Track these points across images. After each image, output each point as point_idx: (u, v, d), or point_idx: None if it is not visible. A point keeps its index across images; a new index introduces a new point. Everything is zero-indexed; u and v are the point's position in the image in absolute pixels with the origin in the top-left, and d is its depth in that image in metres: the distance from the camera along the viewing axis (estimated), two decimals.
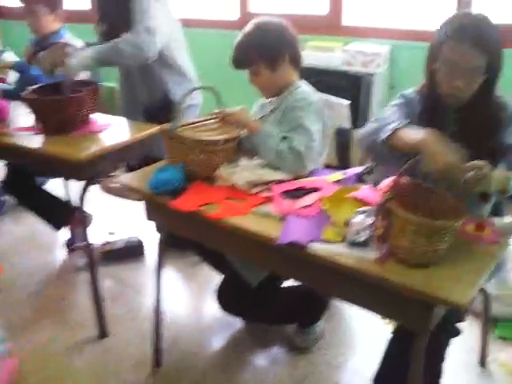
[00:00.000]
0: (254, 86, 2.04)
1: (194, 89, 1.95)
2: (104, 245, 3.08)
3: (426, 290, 1.23)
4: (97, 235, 3.17)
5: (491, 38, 1.54)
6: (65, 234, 3.16)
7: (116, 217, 3.47)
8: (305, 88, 1.99)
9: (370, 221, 1.43)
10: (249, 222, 1.57)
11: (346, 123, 3.06)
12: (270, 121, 1.97)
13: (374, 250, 1.37)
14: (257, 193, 1.71)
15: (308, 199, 1.64)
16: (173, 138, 1.80)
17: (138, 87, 2.70)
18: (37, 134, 2.36)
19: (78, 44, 2.67)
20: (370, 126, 1.72)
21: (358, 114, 3.56)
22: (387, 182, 1.51)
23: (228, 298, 2.15)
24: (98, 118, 2.48)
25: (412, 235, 1.28)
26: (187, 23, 4.57)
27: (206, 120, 1.97)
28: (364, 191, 1.58)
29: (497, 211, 1.67)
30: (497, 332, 2.29)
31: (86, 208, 3.11)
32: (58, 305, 2.68)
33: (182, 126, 1.87)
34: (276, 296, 2.14)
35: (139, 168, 2.24)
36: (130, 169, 2.97)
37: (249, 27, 1.98)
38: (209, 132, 1.85)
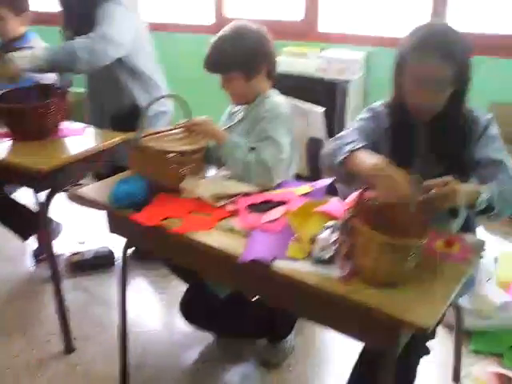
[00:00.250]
0: (225, 91, 1.98)
1: (159, 98, 1.88)
2: (73, 255, 2.99)
3: (392, 312, 1.18)
4: (66, 245, 3.09)
5: (457, 48, 1.49)
6: (32, 244, 3.06)
7: (86, 226, 3.38)
8: (275, 98, 1.93)
9: (335, 237, 1.38)
10: (212, 237, 1.51)
11: (321, 131, 3.04)
12: (237, 131, 1.92)
13: (339, 267, 1.32)
14: (222, 206, 1.66)
15: (274, 213, 1.58)
16: (136, 148, 1.74)
17: (105, 95, 2.64)
18: (7, 140, 2.28)
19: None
20: (330, 146, 1.66)
21: (334, 122, 3.53)
22: (353, 196, 1.47)
23: (193, 309, 2.09)
24: (66, 125, 2.41)
25: (375, 254, 1.23)
26: (161, 27, 4.54)
27: (173, 130, 1.91)
28: (331, 205, 1.53)
29: (467, 226, 1.63)
30: (471, 346, 2.26)
31: (56, 217, 3.07)
32: (21, 318, 2.59)
33: (147, 135, 1.81)
34: (244, 309, 2.08)
35: (107, 177, 2.18)
36: (98, 177, 2.89)
37: (228, 31, 1.90)
38: (175, 142, 1.78)
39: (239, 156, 1.74)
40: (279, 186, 1.78)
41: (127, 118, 2.52)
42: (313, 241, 1.40)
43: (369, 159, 1.46)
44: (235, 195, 1.69)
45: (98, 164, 2.41)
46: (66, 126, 2.41)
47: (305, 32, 3.88)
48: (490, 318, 2.24)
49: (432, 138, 1.62)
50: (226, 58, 1.86)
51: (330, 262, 1.35)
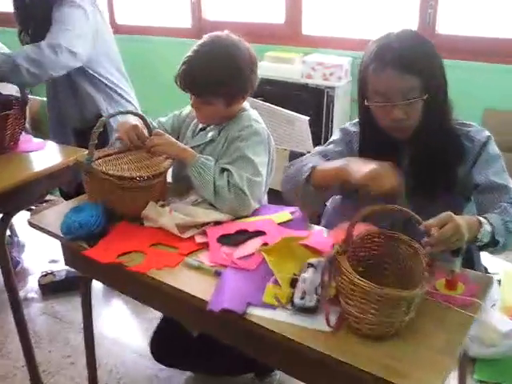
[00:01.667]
0: (196, 111, 1.69)
1: (117, 113, 1.65)
2: (43, 276, 2.78)
3: (386, 376, 0.98)
4: (36, 263, 2.90)
5: (418, 56, 1.33)
6: None
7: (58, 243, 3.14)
8: (250, 113, 1.70)
9: (319, 278, 1.18)
10: (178, 277, 1.30)
11: (307, 141, 2.84)
12: (207, 153, 1.67)
13: (323, 315, 1.11)
14: (189, 237, 1.44)
15: (249, 247, 1.37)
16: (89, 172, 1.52)
17: (66, 106, 2.39)
18: None
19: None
20: (288, 171, 1.55)
21: (321, 130, 3.34)
22: (341, 228, 1.26)
23: (164, 347, 1.87)
24: (25, 139, 2.18)
25: (360, 303, 1.03)
26: (137, 30, 4.34)
27: (136, 148, 1.69)
28: (315, 237, 1.33)
29: (470, 260, 1.44)
30: (475, 375, 2.08)
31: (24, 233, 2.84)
32: None
33: (104, 155, 1.59)
34: (221, 345, 1.86)
35: (75, 193, 1.97)
36: (65, 194, 2.67)
37: (211, 47, 1.59)
38: (134, 164, 1.57)
39: (209, 178, 1.51)
40: (255, 211, 1.57)
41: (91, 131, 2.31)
42: (293, 283, 1.19)
43: (335, 162, 1.43)
44: (205, 224, 1.48)
45: (61, 182, 2.20)
46: (25, 139, 2.19)
47: (288, 35, 3.68)
48: (494, 345, 2.07)
49: (414, 159, 1.44)
50: (207, 82, 1.56)
51: (313, 310, 1.14)
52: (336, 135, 1.58)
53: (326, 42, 3.55)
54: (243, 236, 1.42)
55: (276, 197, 1.72)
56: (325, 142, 3.61)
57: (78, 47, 2.13)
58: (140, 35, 4.27)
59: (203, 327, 1.39)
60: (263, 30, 3.72)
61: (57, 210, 1.65)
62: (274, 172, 1.73)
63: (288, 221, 1.48)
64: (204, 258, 1.35)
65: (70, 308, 2.62)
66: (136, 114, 1.66)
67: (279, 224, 1.47)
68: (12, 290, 2.06)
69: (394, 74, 1.30)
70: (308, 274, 1.20)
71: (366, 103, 1.39)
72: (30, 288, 2.78)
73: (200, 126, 1.77)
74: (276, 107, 2.75)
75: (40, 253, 2.99)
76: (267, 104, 2.70)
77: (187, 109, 1.81)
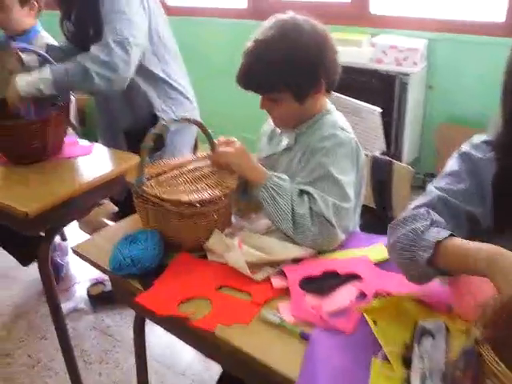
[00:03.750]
0: (268, 113, 1.43)
1: (170, 122, 1.36)
2: (93, 286, 2.61)
3: None
4: (84, 268, 2.68)
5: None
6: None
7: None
8: (335, 118, 1.40)
9: (441, 350, 0.89)
10: (252, 337, 1.03)
11: (379, 136, 2.51)
12: (282, 164, 1.41)
13: None
14: (264, 279, 1.17)
15: (341, 297, 1.09)
16: (140, 196, 1.27)
17: (118, 105, 2.12)
18: None
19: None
20: (400, 230, 1.03)
21: (392, 122, 2.99)
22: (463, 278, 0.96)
23: None
24: (70, 141, 1.97)
25: None
26: (188, 12, 4.06)
27: (198, 160, 1.42)
28: (429, 289, 1.03)
29: None
30: None
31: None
32: (29, 367, 2.20)
33: (158, 174, 1.33)
34: None
35: (125, 201, 1.73)
36: (115, 202, 2.45)
37: (272, 33, 1.31)
38: (196, 183, 1.30)
39: (285, 205, 1.23)
40: (343, 242, 1.28)
41: (144, 132, 2.05)
42: (407, 360, 0.91)
43: (475, 249, 0.90)
44: (282, 262, 1.20)
45: (111, 192, 1.97)
46: (70, 142, 1.97)
47: (354, 15, 3.32)
48: None
49: None
50: (272, 77, 1.30)
51: None
52: (454, 164, 1.12)
53: (397, 21, 3.18)
54: (333, 280, 1.13)
55: None
56: (395, 139, 3.15)
57: (141, 38, 1.88)
58: (192, 17, 4.00)
59: None
60: (326, 10, 3.38)
61: (105, 236, 1.41)
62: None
63: (386, 259, 1.19)
64: (285, 311, 1.07)
65: (122, 323, 2.43)
66: (195, 122, 1.39)
67: (376, 264, 1.18)
68: (55, 308, 1.86)
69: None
70: (425, 346, 0.91)
71: None
72: (80, 298, 2.60)
73: (278, 131, 1.50)
74: (340, 95, 2.42)
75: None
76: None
77: None
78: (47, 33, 2.46)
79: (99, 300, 2.55)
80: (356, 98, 2.42)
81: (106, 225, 2.43)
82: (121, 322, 2.43)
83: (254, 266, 1.18)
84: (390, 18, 3.22)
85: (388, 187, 1.75)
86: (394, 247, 1.02)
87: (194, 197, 1.24)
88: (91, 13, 1.88)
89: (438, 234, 0.94)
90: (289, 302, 1.10)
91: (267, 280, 1.17)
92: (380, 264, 1.18)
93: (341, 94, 2.41)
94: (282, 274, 1.18)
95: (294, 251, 1.21)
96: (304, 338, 1.00)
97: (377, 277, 1.12)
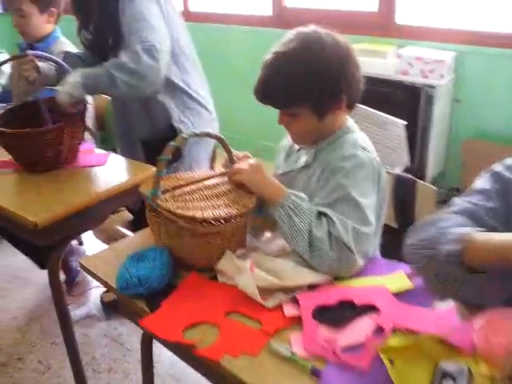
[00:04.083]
0: (286, 129, 1.38)
1: (190, 135, 1.30)
2: (106, 292, 2.56)
3: None
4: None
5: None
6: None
7: None
8: (357, 137, 1.34)
9: None
10: (260, 371, 0.97)
11: (402, 150, 2.44)
12: (300, 182, 1.36)
13: None
14: (276, 306, 1.11)
15: (357, 331, 1.02)
16: (153, 210, 1.22)
17: (136, 115, 2.09)
18: (10, 171, 1.84)
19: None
20: (422, 231, 1.02)
21: (416, 136, 2.91)
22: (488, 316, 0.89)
23: None
24: (83, 150, 1.93)
25: None
26: (211, 18, 4.03)
27: (216, 176, 1.37)
28: (451, 326, 0.96)
29: None
30: None
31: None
32: (35, 374, 2.18)
33: (174, 187, 1.28)
34: None
35: (140, 210, 1.69)
36: (131, 211, 2.41)
37: (294, 48, 1.26)
38: (213, 200, 1.25)
39: (303, 226, 1.17)
40: (362, 269, 1.21)
41: (162, 143, 2.01)
42: None
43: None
44: (295, 288, 1.14)
45: (125, 202, 1.93)
46: (86, 149, 1.93)
47: (380, 25, 3.24)
48: None
49: None
50: (290, 86, 1.26)
51: None
52: (484, 183, 1.07)
53: (423, 33, 3.10)
54: (349, 311, 1.07)
55: None
56: (420, 152, 3.03)
57: (167, 44, 1.84)
58: (214, 23, 3.96)
59: None
60: (352, 20, 3.31)
61: (116, 250, 1.37)
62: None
63: (407, 290, 1.12)
64: (296, 344, 1.01)
65: (133, 331, 2.39)
66: (216, 138, 1.34)
67: (395, 294, 1.11)
68: (65, 325, 1.83)
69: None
70: None
71: None
72: (93, 304, 2.58)
73: (296, 148, 1.45)
74: (364, 107, 2.36)
75: None
76: None
77: None
78: (66, 38, 2.44)
79: (112, 307, 2.50)
80: (380, 110, 2.36)
81: (121, 233, 2.40)
82: (133, 330, 2.39)
83: (266, 292, 1.13)
84: (417, 28, 3.14)
85: (411, 207, 1.68)
86: (415, 246, 0.99)
87: (209, 214, 1.18)
88: (111, 22, 1.86)
89: (463, 230, 0.93)
90: (301, 332, 1.04)
91: (279, 307, 1.11)
92: (400, 295, 1.11)
93: (365, 105, 2.35)
94: (295, 300, 1.12)
95: (308, 277, 1.15)
96: (315, 375, 0.94)
97: (396, 309, 1.06)
